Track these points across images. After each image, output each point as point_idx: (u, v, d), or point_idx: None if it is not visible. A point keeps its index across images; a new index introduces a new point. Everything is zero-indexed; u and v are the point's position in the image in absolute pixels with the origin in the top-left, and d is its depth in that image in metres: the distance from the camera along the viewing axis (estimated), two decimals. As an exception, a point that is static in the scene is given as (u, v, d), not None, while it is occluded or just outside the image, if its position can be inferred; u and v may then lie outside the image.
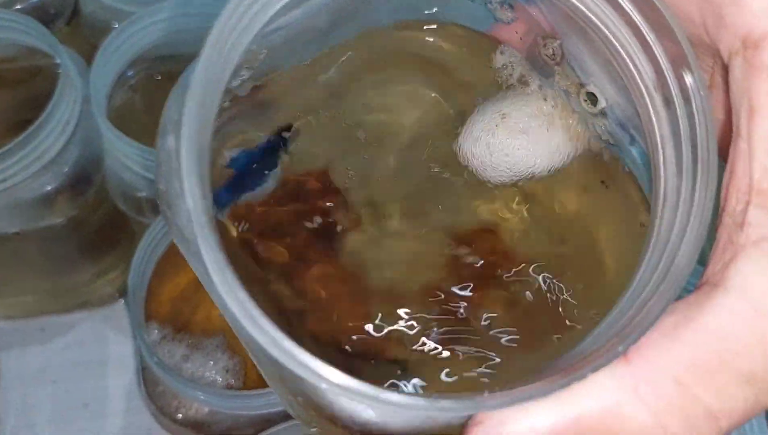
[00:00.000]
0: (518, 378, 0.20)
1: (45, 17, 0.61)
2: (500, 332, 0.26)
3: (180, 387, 0.53)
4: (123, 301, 0.64)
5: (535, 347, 0.26)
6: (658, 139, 0.23)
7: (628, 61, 0.23)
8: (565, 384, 0.20)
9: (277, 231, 0.27)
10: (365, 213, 0.28)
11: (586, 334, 0.22)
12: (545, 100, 0.27)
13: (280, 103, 0.28)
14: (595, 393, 0.20)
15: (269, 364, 0.23)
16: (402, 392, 0.19)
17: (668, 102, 0.22)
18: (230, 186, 0.27)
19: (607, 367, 0.20)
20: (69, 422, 0.60)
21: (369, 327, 0.26)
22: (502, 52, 0.28)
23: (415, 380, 0.26)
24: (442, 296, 0.27)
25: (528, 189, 0.28)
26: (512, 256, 0.28)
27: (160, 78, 0.61)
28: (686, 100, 0.22)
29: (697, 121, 0.22)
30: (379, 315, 0.27)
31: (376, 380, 0.20)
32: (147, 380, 0.59)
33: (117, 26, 0.57)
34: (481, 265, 0.27)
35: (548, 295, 0.27)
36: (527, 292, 0.27)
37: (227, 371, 0.56)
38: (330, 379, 0.19)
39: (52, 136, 0.52)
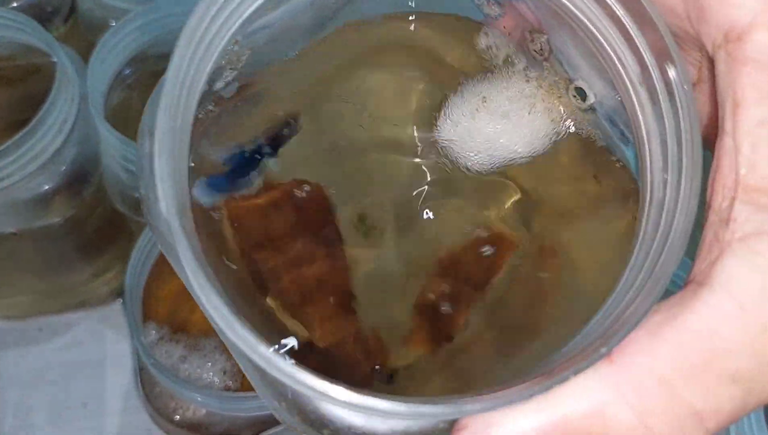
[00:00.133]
0: (503, 382, 0.20)
1: (42, 15, 0.61)
2: (486, 336, 0.26)
3: (177, 388, 0.53)
4: (121, 300, 0.64)
5: (521, 350, 0.26)
6: (644, 133, 0.23)
7: (612, 55, 0.23)
8: (548, 387, 0.20)
9: (264, 232, 0.27)
10: (352, 215, 0.28)
11: (572, 336, 0.22)
12: (527, 81, 0.27)
13: (269, 97, 0.28)
14: (580, 394, 0.20)
15: (251, 368, 0.23)
16: (384, 397, 0.19)
17: (653, 96, 0.22)
18: (227, 176, 0.27)
19: (592, 369, 0.20)
20: (67, 422, 0.60)
21: (354, 333, 0.26)
22: (486, 34, 0.28)
23: (400, 385, 0.26)
24: (429, 302, 0.27)
25: (519, 184, 0.28)
26: (500, 261, 0.27)
27: (158, 76, 0.60)
28: (670, 94, 0.22)
29: (681, 115, 0.21)
30: (365, 320, 0.26)
31: (361, 386, 0.19)
32: (145, 381, 0.59)
33: (114, 24, 0.57)
34: (467, 275, 0.27)
35: (532, 299, 0.26)
36: (512, 296, 0.27)
37: (225, 373, 0.55)
38: (311, 385, 0.19)
39: (49, 135, 0.52)
